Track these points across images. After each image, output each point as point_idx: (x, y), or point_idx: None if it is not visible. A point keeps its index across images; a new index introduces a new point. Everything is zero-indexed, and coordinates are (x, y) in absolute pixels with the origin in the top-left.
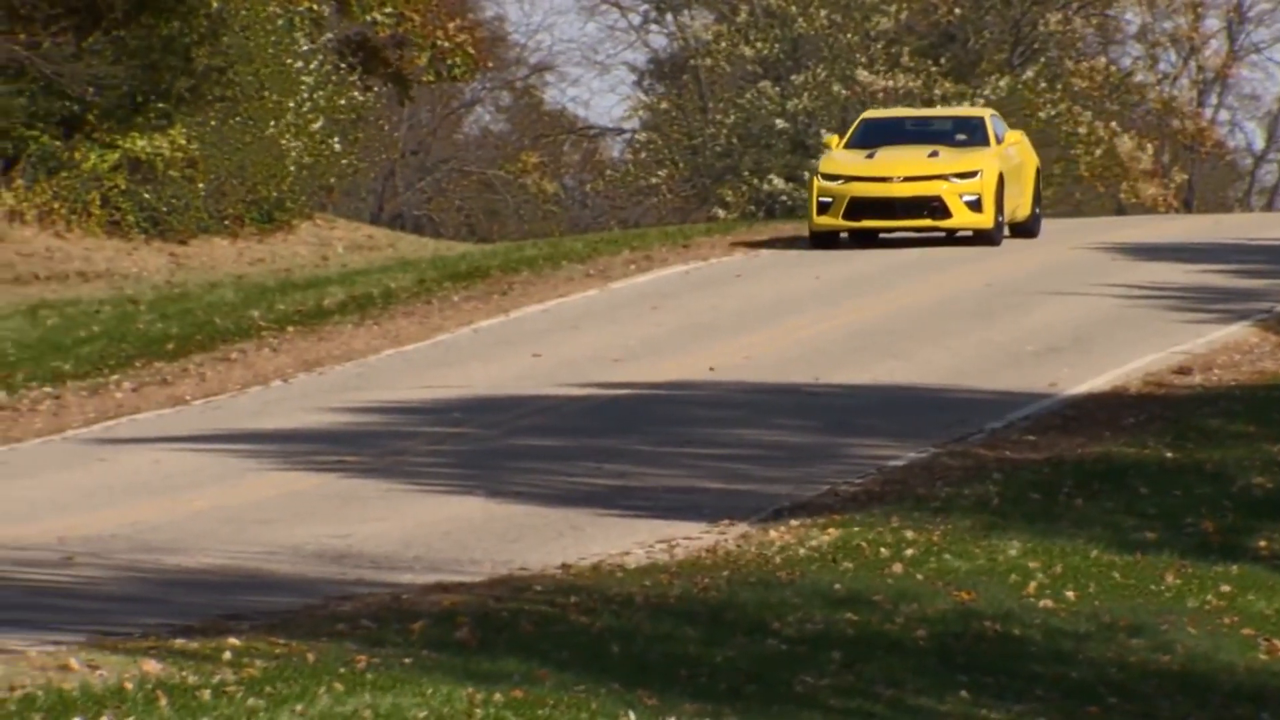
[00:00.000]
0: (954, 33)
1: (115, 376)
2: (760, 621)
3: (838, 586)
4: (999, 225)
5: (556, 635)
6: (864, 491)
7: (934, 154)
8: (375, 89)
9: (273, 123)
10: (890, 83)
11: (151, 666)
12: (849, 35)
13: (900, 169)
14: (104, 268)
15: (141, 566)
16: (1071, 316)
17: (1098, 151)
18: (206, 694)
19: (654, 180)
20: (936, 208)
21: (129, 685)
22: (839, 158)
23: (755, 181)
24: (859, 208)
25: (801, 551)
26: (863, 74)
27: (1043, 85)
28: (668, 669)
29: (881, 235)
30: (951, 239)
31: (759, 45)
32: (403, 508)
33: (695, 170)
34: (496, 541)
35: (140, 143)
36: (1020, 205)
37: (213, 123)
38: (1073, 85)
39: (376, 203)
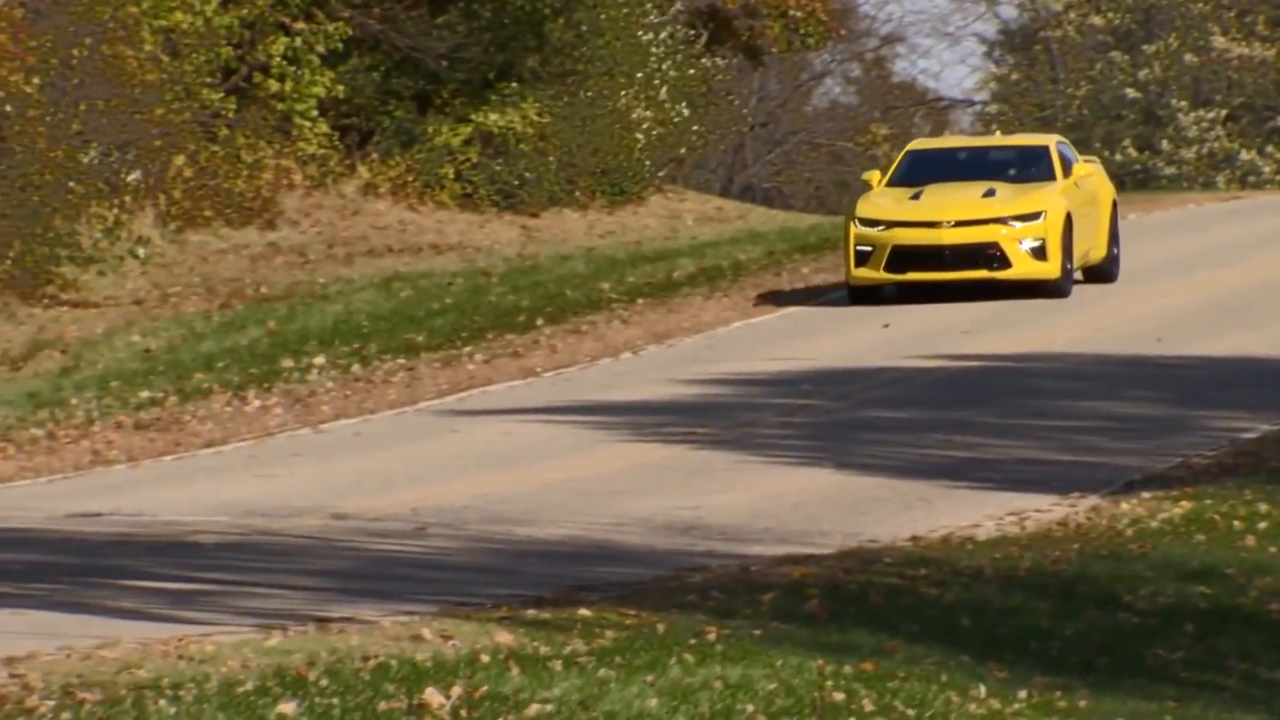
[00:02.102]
0: None
1: (467, 348)
2: (1112, 594)
3: (1190, 559)
4: (1067, 274)
5: (906, 607)
6: (1216, 464)
7: (990, 193)
8: (725, 60)
9: (623, 95)
10: (1246, 50)
11: (503, 636)
12: (1201, 4)
13: (950, 211)
14: (456, 240)
15: (493, 537)
16: None
17: None
18: (558, 664)
19: None
20: (994, 256)
21: (481, 655)
22: (879, 199)
23: (1106, 152)
24: (903, 258)
25: (1153, 524)
26: (1219, 40)
27: None
28: (1018, 642)
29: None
30: (1013, 290)
31: (1110, 15)
32: (752, 480)
33: None
34: (846, 513)
35: (492, 117)
36: (1094, 246)
37: (564, 97)
38: None
39: (726, 175)
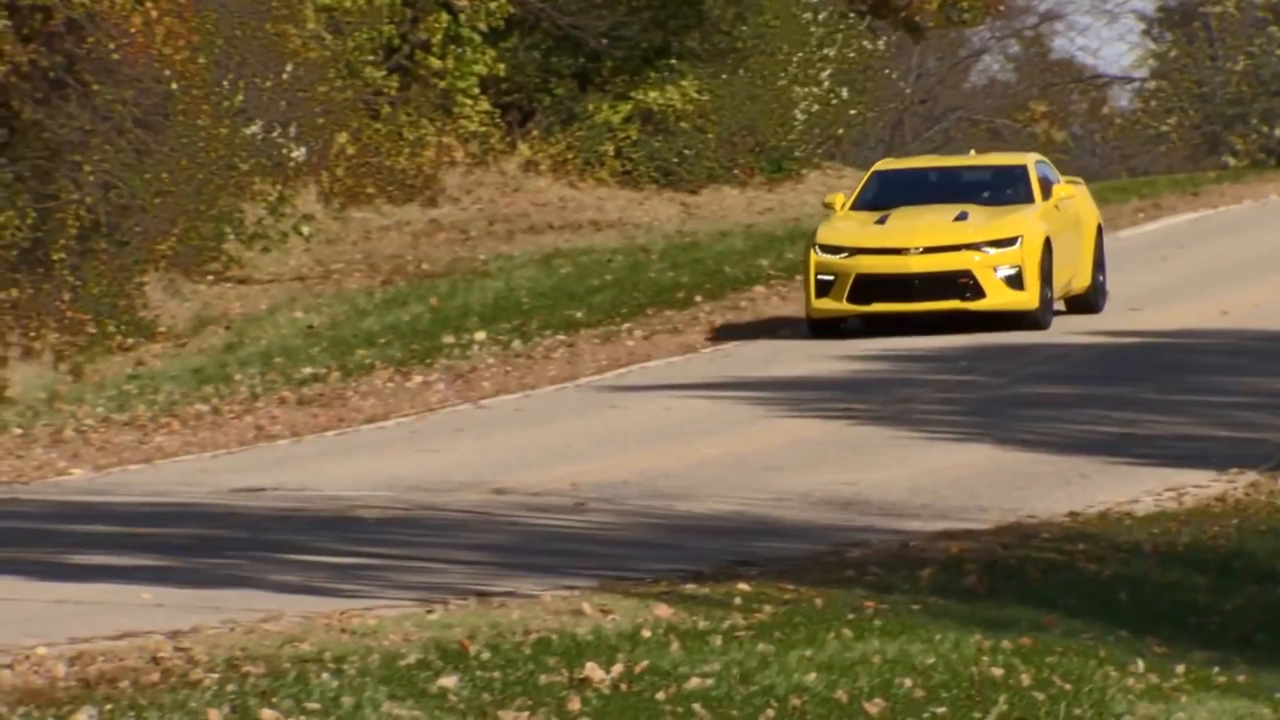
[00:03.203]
0: None
1: (626, 325)
2: (1271, 570)
3: None
4: (1046, 304)
5: (1064, 583)
6: None
7: (962, 216)
8: (884, 37)
9: (782, 74)
10: None
11: (663, 611)
12: None
13: (919, 237)
14: (616, 217)
15: (652, 512)
16: None
17: None
18: (717, 639)
19: (1163, 128)
20: (966, 285)
21: (641, 629)
22: (842, 224)
23: (1265, 129)
24: (867, 288)
25: None
26: None
27: None
28: (1176, 617)
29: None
30: (986, 321)
31: None
32: (910, 455)
33: (1204, 118)
34: (1004, 489)
35: (652, 94)
36: (1077, 274)
37: (723, 74)
38: None
39: (885, 151)
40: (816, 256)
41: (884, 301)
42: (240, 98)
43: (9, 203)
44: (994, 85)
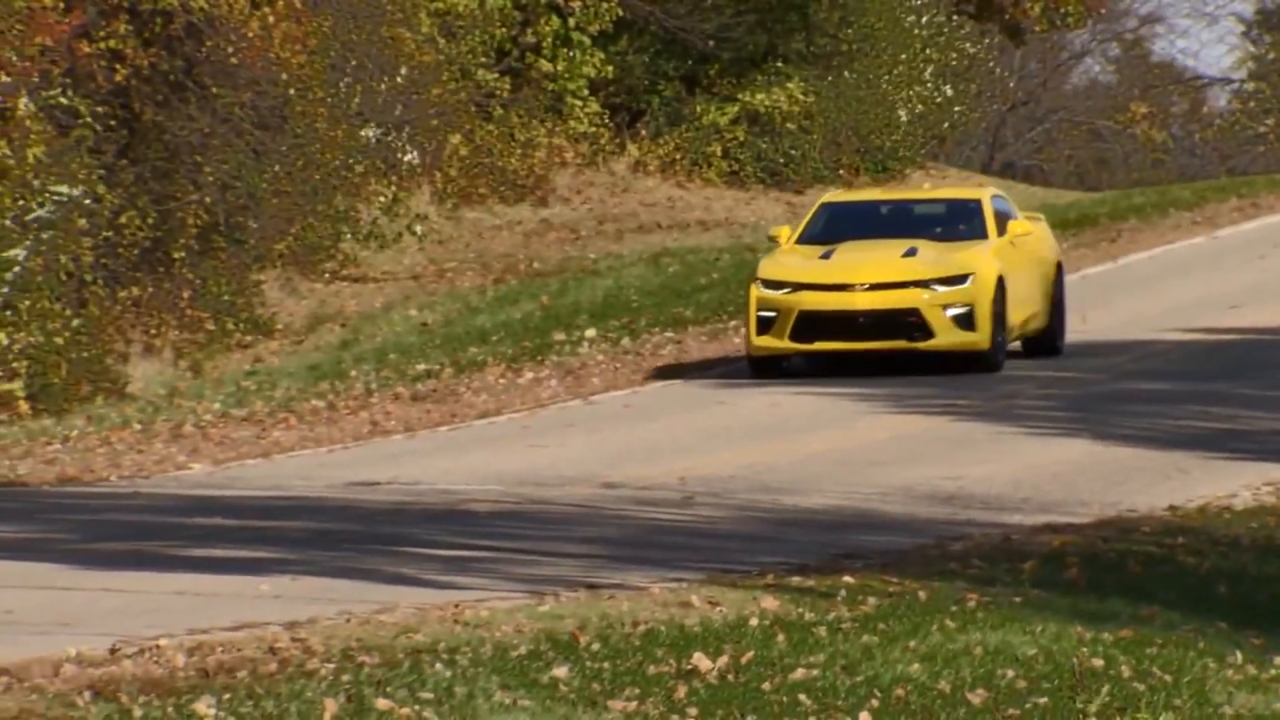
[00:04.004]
0: None
1: (733, 322)
2: None
3: None
4: (999, 345)
5: (1163, 576)
6: None
7: (911, 252)
8: (986, 40)
9: (886, 76)
10: None
11: (769, 603)
12: None
13: (865, 273)
14: (723, 216)
15: (759, 506)
16: None
17: None
18: (822, 630)
19: (1261, 129)
20: (914, 325)
21: (748, 621)
22: (785, 258)
23: None
24: (810, 325)
25: None
26: None
27: None
28: (1275, 610)
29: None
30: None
31: None
32: (1012, 450)
33: None
34: (1104, 483)
35: (758, 96)
36: (1034, 315)
37: (828, 76)
38: None
39: (987, 152)
40: (758, 292)
41: (828, 340)
42: (356, 100)
43: (130, 203)
44: (1095, 87)
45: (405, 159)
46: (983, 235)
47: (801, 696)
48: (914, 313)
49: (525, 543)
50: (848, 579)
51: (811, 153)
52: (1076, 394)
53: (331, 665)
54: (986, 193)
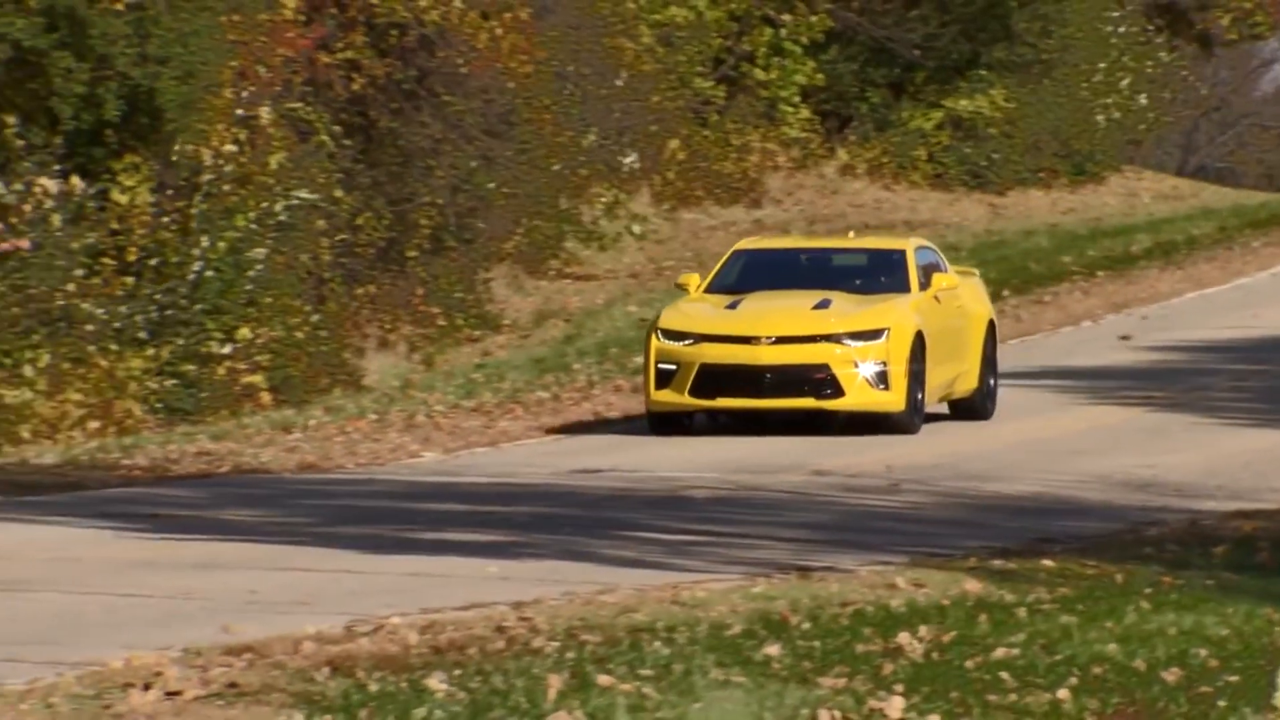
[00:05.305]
0: None
1: None
2: None
3: None
4: (915, 406)
5: None
6: None
7: (823, 304)
8: (1179, 49)
9: (1084, 83)
10: None
11: (972, 585)
12: None
13: (771, 325)
14: (928, 217)
15: (961, 492)
16: None
17: None
18: (1022, 611)
19: None
20: (822, 382)
21: (952, 602)
22: (689, 308)
23: None
24: (712, 380)
25: None
26: None
27: None
28: None
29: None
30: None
31: None
32: (1205, 440)
33: None
34: None
35: (962, 103)
36: (962, 375)
37: (1029, 84)
38: None
39: (1181, 156)
40: (657, 343)
41: (730, 396)
42: (579, 108)
43: (367, 206)
44: None
45: (625, 163)
46: (904, 288)
47: (1003, 674)
48: (823, 369)
49: (740, 527)
50: (1047, 562)
51: (1013, 156)
52: (1269, 386)
53: (556, 643)
54: (912, 243)
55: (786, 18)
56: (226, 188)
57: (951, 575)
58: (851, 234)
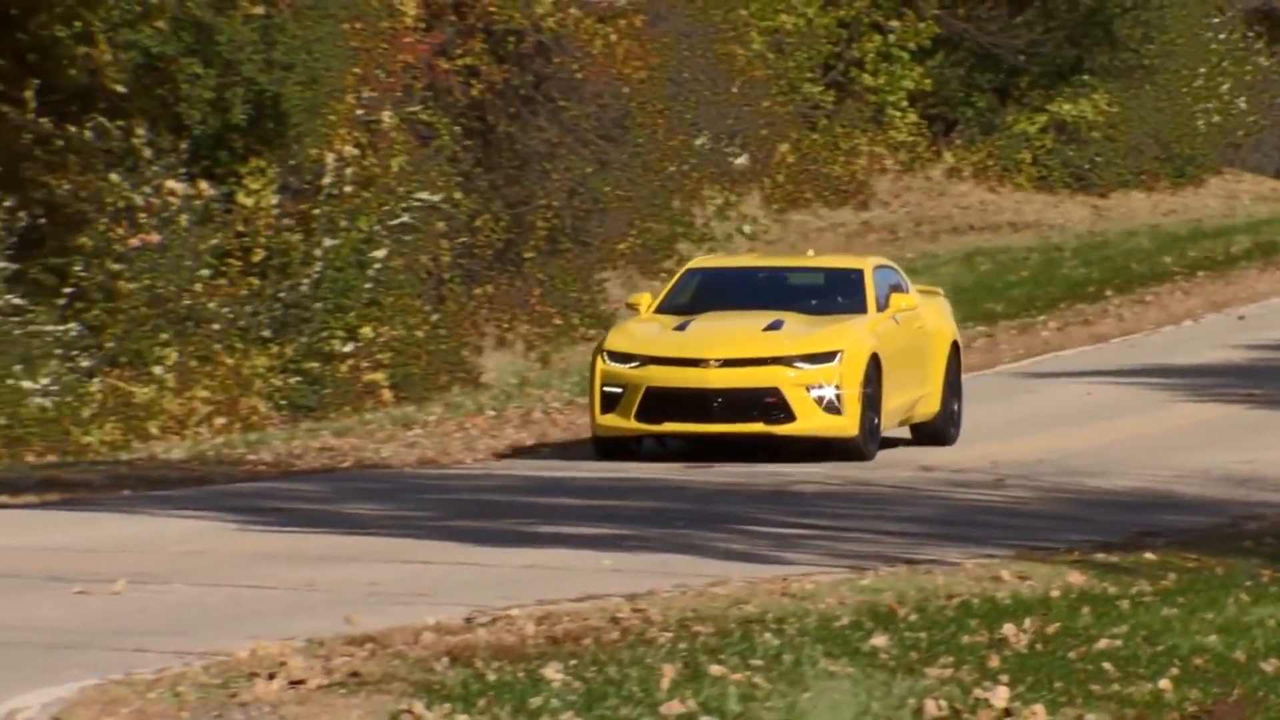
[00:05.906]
0: None
1: (1042, 317)
2: None
3: None
4: (869, 432)
5: None
6: None
7: (775, 325)
8: (1278, 55)
9: (1185, 88)
10: None
11: (1075, 578)
12: None
13: (719, 347)
14: (1032, 219)
15: (1065, 488)
16: None
17: None
18: (1124, 603)
19: None
20: (772, 406)
21: (1055, 594)
22: (637, 329)
23: None
24: (659, 404)
25: None
26: None
27: None
28: None
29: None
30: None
31: None
32: None
33: None
34: None
35: (1066, 107)
36: (922, 399)
37: (1131, 89)
38: None
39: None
40: (603, 365)
41: (677, 421)
42: (691, 112)
43: (485, 208)
44: None
45: (736, 165)
46: (862, 309)
47: (1105, 665)
48: (774, 393)
49: (847, 521)
50: (1149, 555)
51: (1115, 159)
52: None
53: (669, 634)
54: (870, 262)
55: (895, 24)
56: (348, 189)
57: (1055, 568)
58: (810, 253)
